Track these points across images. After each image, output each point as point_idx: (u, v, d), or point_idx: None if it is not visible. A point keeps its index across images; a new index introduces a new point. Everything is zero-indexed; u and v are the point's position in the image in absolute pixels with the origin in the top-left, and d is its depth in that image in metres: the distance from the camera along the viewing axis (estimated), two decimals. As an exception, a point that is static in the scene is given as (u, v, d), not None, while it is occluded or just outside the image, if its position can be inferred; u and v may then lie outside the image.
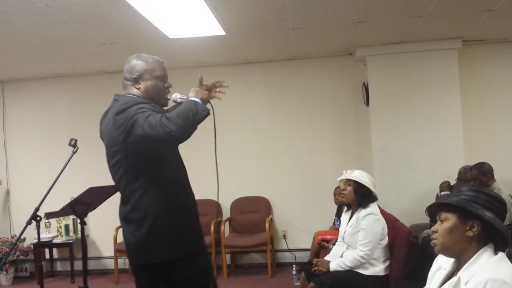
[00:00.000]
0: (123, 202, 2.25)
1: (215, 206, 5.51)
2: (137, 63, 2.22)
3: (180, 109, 1.99)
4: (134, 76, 2.20)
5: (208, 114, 2.06)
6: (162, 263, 2.14)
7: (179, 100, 2.27)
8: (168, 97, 2.29)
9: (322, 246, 4.35)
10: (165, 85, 2.27)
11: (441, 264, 1.80)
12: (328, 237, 4.32)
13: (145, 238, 2.12)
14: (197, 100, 2.06)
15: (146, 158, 2.09)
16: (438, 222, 1.72)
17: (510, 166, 4.92)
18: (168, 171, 2.19)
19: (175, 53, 4.85)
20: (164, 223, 2.13)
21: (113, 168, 2.20)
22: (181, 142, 2.01)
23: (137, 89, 2.20)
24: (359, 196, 3.29)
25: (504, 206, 1.69)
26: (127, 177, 2.15)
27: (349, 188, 3.33)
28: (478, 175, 4.18)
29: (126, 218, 2.22)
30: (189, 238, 2.20)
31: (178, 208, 2.18)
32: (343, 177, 3.41)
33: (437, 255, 1.82)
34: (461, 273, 1.62)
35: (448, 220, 1.68)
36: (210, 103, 2.21)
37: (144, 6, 3.41)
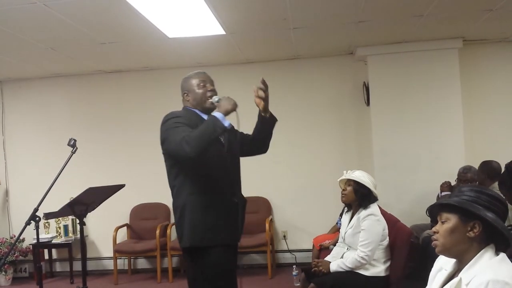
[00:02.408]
0: (171, 193, 2.61)
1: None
2: (182, 82, 2.68)
3: (200, 129, 2.34)
4: (184, 92, 2.66)
5: (224, 130, 2.37)
6: (188, 249, 2.51)
7: (215, 104, 2.52)
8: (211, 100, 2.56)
9: (322, 248, 4.32)
10: (206, 90, 2.61)
11: (442, 265, 1.79)
12: (327, 242, 4.29)
13: (178, 225, 2.54)
14: (218, 115, 2.36)
15: (180, 162, 2.46)
16: (439, 222, 1.71)
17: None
18: (201, 171, 2.47)
19: (174, 52, 4.84)
20: (186, 215, 2.47)
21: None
22: (196, 159, 2.32)
23: (188, 101, 2.64)
24: (359, 197, 3.27)
25: (505, 207, 1.68)
26: (170, 174, 2.56)
27: (349, 188, 3.32)
28: (480, 174, 4.18)
29: (172, 208, 2.60)
30: (208, 231, 2.45)
31: (204, 203, 2.47)
32: (343, 177, 3.39)
33: (438, 255, 1.80)
34: (462, 274, 1.61)
35: (449, 221, 1.66)
36: (236, 111, 2.45)
37: (144, 5, 3.40)
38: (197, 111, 2.60)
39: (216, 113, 2.39)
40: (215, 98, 2.53)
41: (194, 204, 2.46)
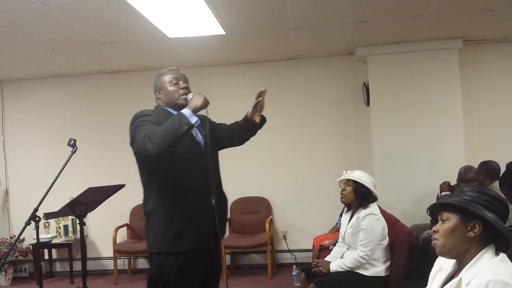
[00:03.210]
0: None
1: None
2: (155, 80, 2.53)
3: (164, 125, 2.17)
4: (156, 90, 2.52)
5: (191, 127, 2.18)
6: (151, 255, 2.40)
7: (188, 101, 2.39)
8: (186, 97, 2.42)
9: (322, 248, 4.32)
10: (178, 87, 2.45)
11: (442, 265, 1.79)
12: (327, 242, 4.29)
13: (146, 230, 2.42)
14: (186, 112, 2.19)
15: (149, 163, 2.32)
16: (440, 222, 1.71)
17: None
18: (171, 173, 2.32)
19: (174, 52, 4.83)
20: (154, 220, 2.36)
21: None
22: (160, 158, 2.16)
23: (159, 99, 2.51)
24: (358, 196, 3.27)
25: (506, 207, 1.68)
26: (141, 176, 2.45)
27: (349, 188, 3.32)
28: (478, 173, 4.18)
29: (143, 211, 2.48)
30: (168, 237, 2.32)
31: (172, 207, 2.33)
32: (343, 177, 3.39)
33: (438, 255, 1.80)
34: (462, 274, 1.61)
35: (450, 220, 1.66)
36: (206, 109, 2.32)
37: (144, 5, 3.39)
38: (169, 109, 2.44)
39: (184, 110, 2.22)
40: (189, 96, 2.39)
41: (161, 208, 2.33)
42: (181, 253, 2.30)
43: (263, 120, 2.59)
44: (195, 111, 2.22)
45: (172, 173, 2.32)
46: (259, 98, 2.51)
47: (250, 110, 2.53)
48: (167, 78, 2.47)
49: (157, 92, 2.50)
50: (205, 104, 2.27)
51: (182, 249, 2.30)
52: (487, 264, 1.57)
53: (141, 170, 2.41)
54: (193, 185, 2.36)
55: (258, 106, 2.51)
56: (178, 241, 2.30)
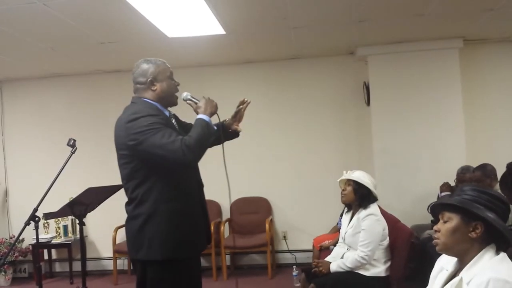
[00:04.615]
0: (129, 200, 2.30)
1: (215, 206, 5.49)
2: (149, 66, 2.28)
3: (199, 135, 2.12)
4: (149, 79, 2.27)
5: (216, 134, 2.26)
6: (146, 262, 2.24)
7: (188, 101, 2.34)
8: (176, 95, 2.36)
9: (322, 248, 4.31)
10: (175, 84, 2.36)
11: (443, 265, 1.79)
12: (327, 242, 4.28)
13: (138, 235, 2.22)
14: (207, 119, 2.20)
15: (151, 166, 2.18)
16: (441, 221, 1.71)
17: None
18: (172, 178, 2.22)
19: (174, 52, 4.81)
20: (158, 224, 2.19)
21: (120, 168, 2.33)
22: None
23: (153, 91, 2.27)
24: (358, 197, 3.27)
25: (507, 206, 1.68)
26: (132, 178, 2.24)
27: (349, 188, 3.32)
28: (481, 177, 4.14)
29: (129, 216, 2.29)
30: (175, 243, 2.21)
31: (172, 213, 2.22)
32: (343, 177, 3.39)
33: (439, 256, 1.81)
34: (463, 273, 1.62)
35: (451, 221, 1.66)
36: (217, 114, 2.33)
37: (143, 5, 3.38)
38: (158, 105, 2.27)
39: (203, 116, 2.20)
40: (187, 95, 2.33)
41: (165, 212, 2.19)
42: (188, 258, 2.25)
43: (236, 134, 2.54)
44: (211, 116, 2.24)
45: (174, 178, 2.22)
46: (241, 107, 2.47)
47: (229, 119, 2.51)
48: (168, 72, 2.30)
49: (151, 81, 2.25)
50: (216, 110, 2.30)
51: (190, 254, 2.26)
52: (487, 263, 1.58)
53: (134, 172, 2.23)
54: (190, 190, 2.31)
55: (238, 116, 2.49)
56: (185, 247, 2.23)
